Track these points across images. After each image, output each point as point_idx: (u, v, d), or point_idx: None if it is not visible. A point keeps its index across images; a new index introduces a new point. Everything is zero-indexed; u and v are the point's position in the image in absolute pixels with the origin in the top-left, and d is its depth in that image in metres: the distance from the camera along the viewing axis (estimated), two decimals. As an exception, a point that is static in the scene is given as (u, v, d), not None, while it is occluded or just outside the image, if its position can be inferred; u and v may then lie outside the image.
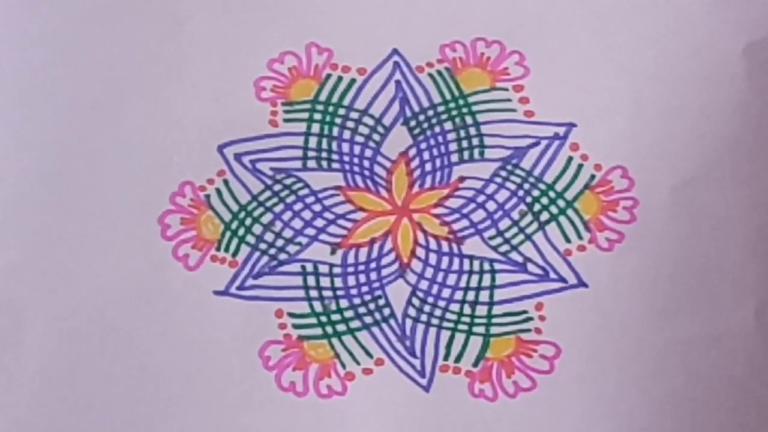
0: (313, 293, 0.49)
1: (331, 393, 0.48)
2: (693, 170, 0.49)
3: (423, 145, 0.50)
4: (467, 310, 0.48)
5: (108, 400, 0.47)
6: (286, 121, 0.50)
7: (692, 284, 0.48)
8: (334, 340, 0.48)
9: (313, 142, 0.50)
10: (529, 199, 0.49)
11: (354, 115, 0.50)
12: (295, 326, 0.48)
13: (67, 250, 0.48)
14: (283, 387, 0.48)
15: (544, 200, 0.49)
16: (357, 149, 0.50)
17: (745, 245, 0.48)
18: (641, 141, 0.49)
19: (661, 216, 0.48)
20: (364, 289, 0.49)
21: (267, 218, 0.49)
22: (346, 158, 0.50)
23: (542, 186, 0.49)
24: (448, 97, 0.50)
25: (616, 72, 0.50)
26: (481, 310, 0.48)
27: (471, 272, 0.49)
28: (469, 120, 0.50)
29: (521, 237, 0.49)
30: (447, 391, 0.48)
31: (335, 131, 0.50)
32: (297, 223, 0.49)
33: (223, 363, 0.47)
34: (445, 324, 0.48)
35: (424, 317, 0.48)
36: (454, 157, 0.50)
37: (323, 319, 0.48)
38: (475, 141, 0.50)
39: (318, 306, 0.48)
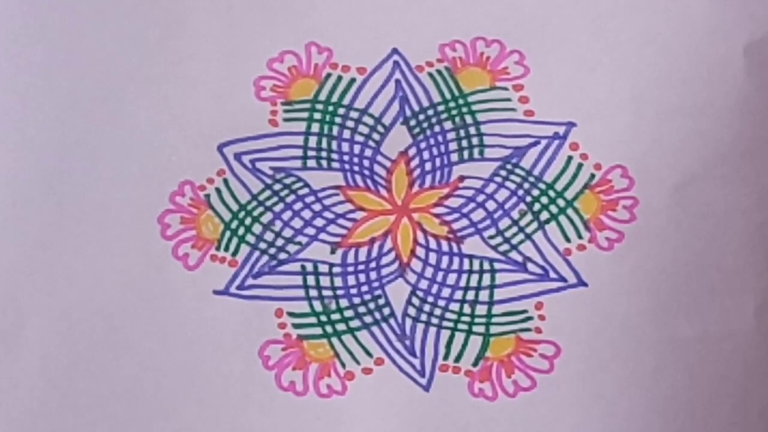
0: (313, 293, 0.49)
1: (330, 392, 0.48)
2: (693, 170, 0.49)
3: (423, 145, 0.50)
4: (467, 309, 0.48)
5: (108, 400, 0.47)
6: (286, 120, 0.50)
7: (692, 284, 0.48)
8: (334, 340, 0.48)
9: (312, 141, 0.50)
10: (528, 199, 0.49)
11: (354, 114, 0.50)
12: (295, 326, 0.48)
13: (67, 250, 0.48)
14: (283, 386, 0.48)
15: (544, 200, 0.49)
16: (357, 149, 0.50)
17: (745, 245, 0.48)
18: (641, 140, 0.49)
19: (661, 216, 0.48)
20: (364, 288, 0.49)
21: (267, 218, 0.49)
22: (346, 158, 0.50)
23: (542, 185, 0.49)
24: (447, 96, 0.50)
25: (616, 72, 0.49)
26: (481, 309, 0.48)
27: (471, 272, 0.49)
28: (468, 119, 0.50)
29: (521, 236, 0.49)
30: (447, 391, 0.48)
31: (335, 131, 0.50)
32: (297, 223, 0.49)
33: (223, 363, 0.48)
34: (445, 323, 0.48)
35: (423, 317, 0.48)
36: (454, 157, 0.50)
37: (323, 318, 0.48)
38: (475, 140, 0.50)
39: (318, 305, 0.48)
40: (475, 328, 0.48)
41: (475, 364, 0.48)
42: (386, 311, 0.48)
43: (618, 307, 0.48)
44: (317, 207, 0.49)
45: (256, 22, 0.50)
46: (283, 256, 0.49)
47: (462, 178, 0.50)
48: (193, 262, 0.49)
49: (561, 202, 0.49)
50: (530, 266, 0.49)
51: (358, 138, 0.50)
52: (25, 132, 0.49)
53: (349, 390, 0.48)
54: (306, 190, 0.50)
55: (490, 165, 0.50)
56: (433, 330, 0.48)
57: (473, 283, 0.49)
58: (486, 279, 0.49)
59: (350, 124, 0.50)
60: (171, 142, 0.49)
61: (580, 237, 0.49)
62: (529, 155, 0.50)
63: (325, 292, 0.49)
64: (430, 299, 0.49)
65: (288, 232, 0.49)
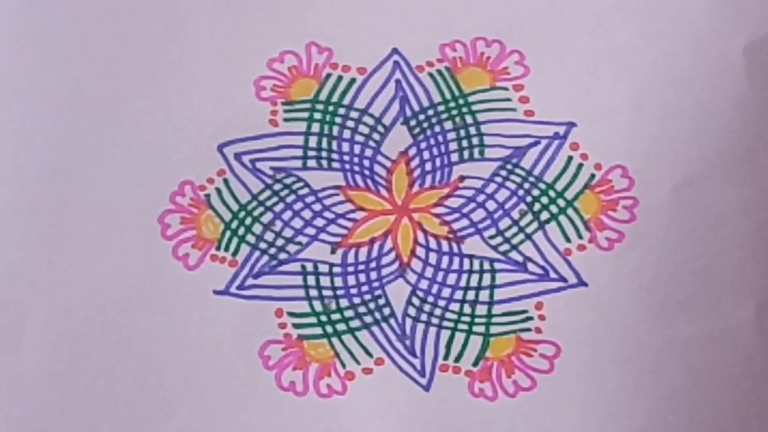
0: (313, 293, 0.49)
1: (331, 392, 0.48)
2: (693, 170, 0.49)
3: (423, 145, 0.50)
4: (467, 309, 0.48)
5: (108, 400, 0.47)
6: (286, 120, 0.50)
7: (692, 284, 0.48)
8: (334, 340, 0.48)
9: (313, 141, 0.50)
10: (529, 199, 0.49)
11: (354, 114, 0.50)
12: (295, 326, 0.48)
13: (67, 250, 0.48)
14: (283, 387, 0.48)
15: (544, 200, 0.49)
16: (357, 149, 0.50)
17: (745, 245, 0.48)
18: (641, 141, 0.49)
19: (661, 216, 0.48)
20: (364, 288, 0.49)
21: (267, 218, 0.49)
22: (346, 158, 0.50)
23: (542, 185, 0.49)
24: (448, 96, 0.50)
25: (616, 72, 0.50)
26: (481, 309, 0.48)
27: (471, 272, 0.49)
28: (469, 119, 0.50)
29: (521, 236, 0.49)
30: (447, 391, 0.48)
31: (335, 131, 0.50)
32: (297, 223, 0.49)
33: (223, 363, 0.48)
34: (445, 323, 0.48)
35: (424, 317, 0.48)
36: (454, 157, 0.50)
37: (323, 318, 0.48)
38: (475, 140, 0.50)
39: (318, 305, 0.49)
40: (475, 328, 0.48)
41: (475, 364, 0.48)
42: (386, 311, 0.49)
43: (618, 307, 0.48)
44: (317, 207, 0.49)
45: (256, 22, 0.50)
46: (283, 256, 0.49)
47: (462, 178, 0.50)
48: (194, 262, 0.49)
49: (561, 202, 0.49)
50: (530, 266, 0.49)
51: (359, 138, 0.50)
52: (25, 132, 0.49)
53: (349, 390, 0.48)
54: (306, 190, 0.50)
55: (490, 165, 0.50)
56: (433, 330, 0.48)
57: (473, 283, 0.49)
58: (486, 279, 0.49)
59: (350, 124, 0.50)
60: (171, 142, 0.49)
61: (580, 237, 0.49)
62: (530, 155, 0.50)
63: (326, 292, 0.49)
64: (431, 299, 0.49)
65: (288, 232, 0.49)
